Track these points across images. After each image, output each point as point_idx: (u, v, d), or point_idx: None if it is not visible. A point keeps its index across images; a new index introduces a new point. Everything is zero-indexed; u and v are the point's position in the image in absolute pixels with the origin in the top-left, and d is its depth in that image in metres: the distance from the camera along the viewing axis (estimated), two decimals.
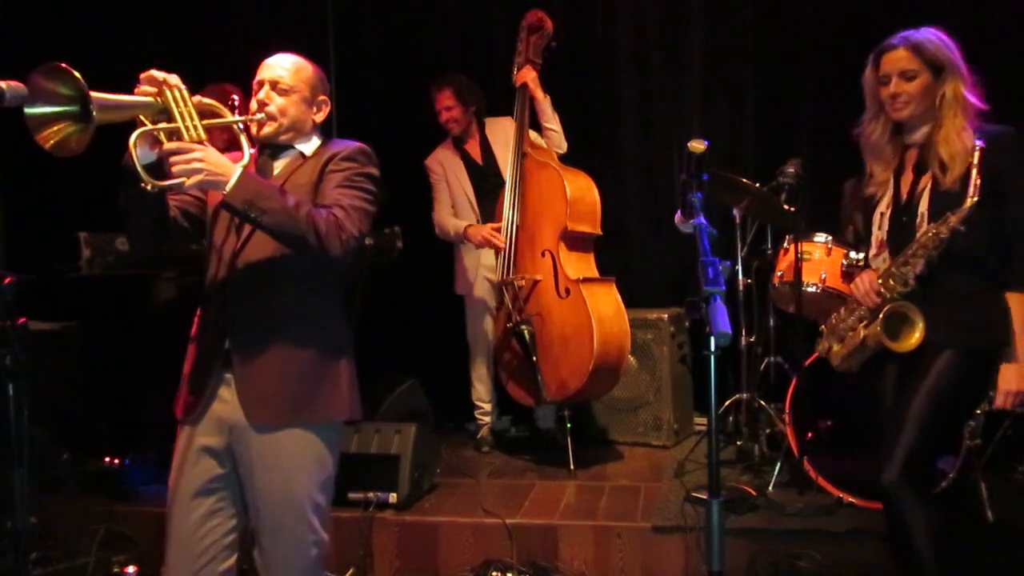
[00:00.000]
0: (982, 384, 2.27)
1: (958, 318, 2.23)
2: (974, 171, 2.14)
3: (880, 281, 2.30)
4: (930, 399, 2.21)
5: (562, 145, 4.02)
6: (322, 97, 2.19)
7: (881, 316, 2.27)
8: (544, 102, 3.96)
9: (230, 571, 2.09)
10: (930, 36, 2.28)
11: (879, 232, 2.38)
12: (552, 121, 3.99)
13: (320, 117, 2.20)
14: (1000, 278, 2.24)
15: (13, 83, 1.72)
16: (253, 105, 2.12)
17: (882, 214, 2.38)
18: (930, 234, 2.19)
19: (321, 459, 2.08)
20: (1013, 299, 2.21)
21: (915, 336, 2.23)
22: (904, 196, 2.33)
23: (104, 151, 1.91)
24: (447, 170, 4.19)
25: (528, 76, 3.93)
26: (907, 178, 2.35)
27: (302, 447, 2.05)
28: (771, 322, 3.84)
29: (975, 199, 2.13)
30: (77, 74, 1.72)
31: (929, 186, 2.27)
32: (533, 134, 4.02)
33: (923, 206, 2.27)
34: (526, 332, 3.67)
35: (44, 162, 1.99)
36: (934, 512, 2.21)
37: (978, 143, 2.15)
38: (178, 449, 2.10)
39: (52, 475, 3.58)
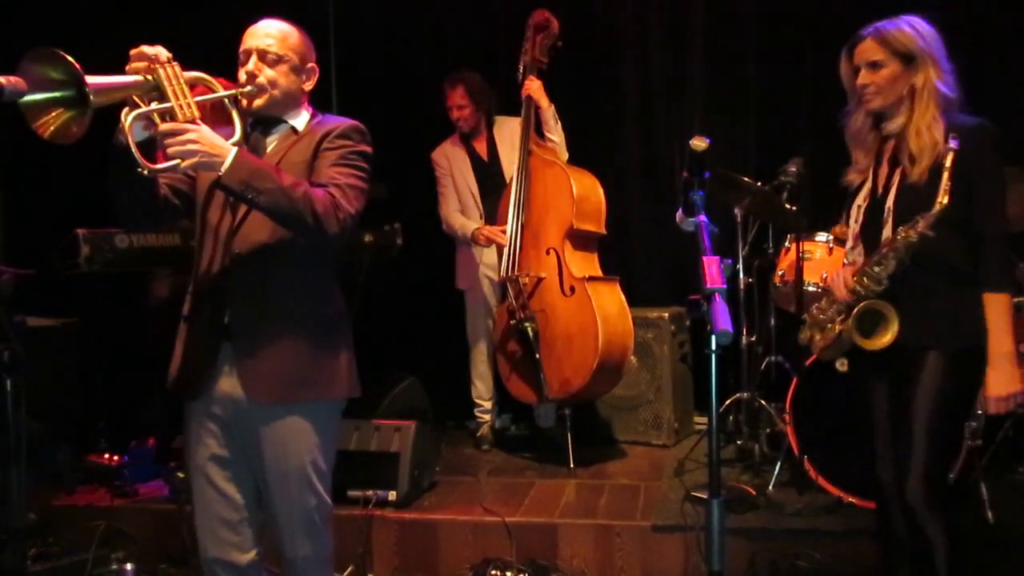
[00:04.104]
0: (973, 382, 2.22)
1: (939, 318, 2.19)
2: (945, 174, 2.09)
3: (855, 279, 2.27)
4: (929, 407, 2.17)
5: (563, 155, 4.02)
6: (311, 64, 2.16)
7: (854, 313, 2.25)
8: (548, 111, 3.96)
9: (255, 531, 2.14)
10: (901, 25, 2.24)
11: (855, 225, 2.37)
12: (554, 132, 3.99)
13: (309, 85, 2.17)
14: (975, 276, 2.20)
15: (13, 79, 1.70)
16: (242, 76, 2.08)
17: (859, 207, 2.36)
18: (899, 236, 2.16)
19: (322, 433, 2.11)
20: (987, 300, 2.16)
21: (887, 336, 2.20)
22: (879, 190, 2.31)
23: (103, 147, 1.89)
24: (452, 165, 4.19)
25: (532, 87, 3.93)
26: (883, 171, 2.32)
27: (303, 424, 2.07)
28: (772, 321, 3.83)
29: (943, 203, 2.08)
30: (70, 58, 1.69)
31: (898, 180, 2.25)
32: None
33: (890, 201, 2.25)
34: (529, 329, 3.66)
35: (43, 159, 1.98)
36: (951, 533, 2.17)
37: (952, 144, 2.10)
38: (187, 426, 2.13)
39: (51, 472, 3.58)
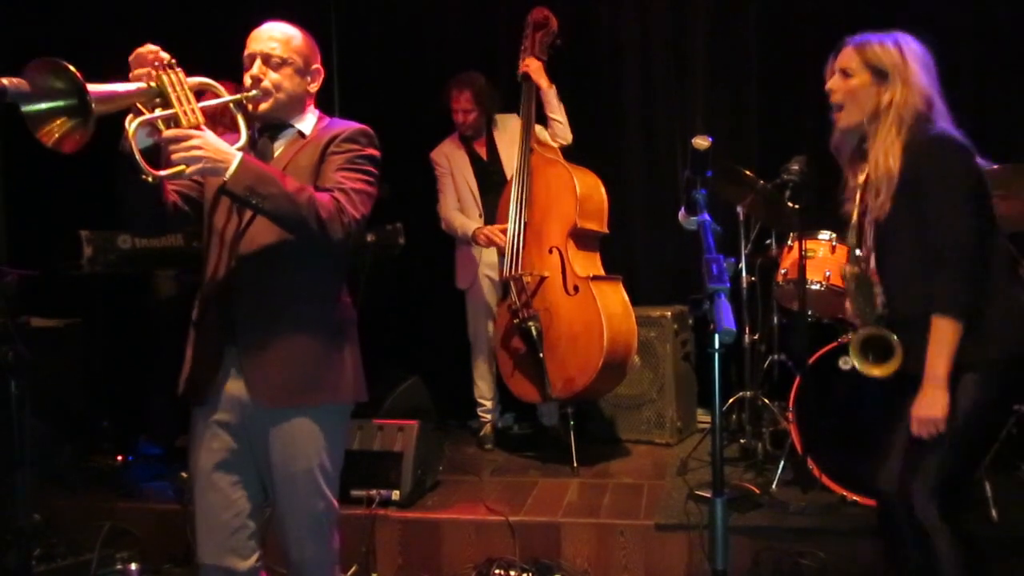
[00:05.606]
0: (1012, 390, 2.15)
1: (966, 342, 2.05)
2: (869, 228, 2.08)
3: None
4: (963, 410, 2.06)
5: (567, 136, 4.02)
6: (315, 66, 2.16)
7: (855, 341, 2.19)
8: (549, 92, 3.95)
9: (256, 539, 2.13)
10: (885, 40, 2.14)
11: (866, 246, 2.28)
12: (557, 112, 3.99)
13: (315, 87, 2.17)
14: (985, 292, 2.07)
15: (16, 80, 1.70)
16: (247, 81, 2.08)
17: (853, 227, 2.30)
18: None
19: (330, 436, 2.11)
20: (934, 322, 2.03)
21: (893, 364, 2.13)
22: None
23: (106, 148, 1.89)
24: (452, 164, 4.19)
25: (531, 66, 3.93)
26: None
27: (311, 428, 2.07)
28: (775, 320, 3.83)
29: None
30: (72, 68, 1.69)
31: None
32: (539, 129, 4.02)
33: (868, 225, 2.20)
34: (533, 329, 3.66)
35: (46, 160, 1.98)
36: (966, 542, 2.08)
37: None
38: (193, 430, 2.13)
39: (55, 472, 3.59)
